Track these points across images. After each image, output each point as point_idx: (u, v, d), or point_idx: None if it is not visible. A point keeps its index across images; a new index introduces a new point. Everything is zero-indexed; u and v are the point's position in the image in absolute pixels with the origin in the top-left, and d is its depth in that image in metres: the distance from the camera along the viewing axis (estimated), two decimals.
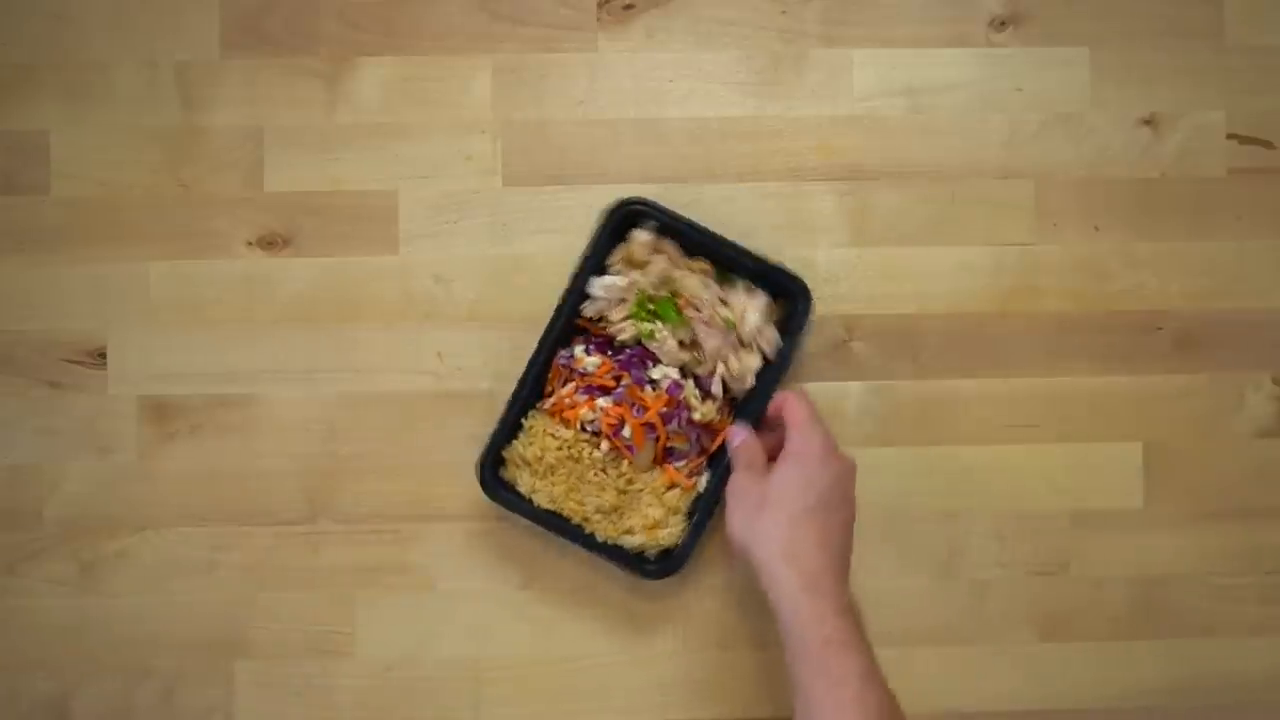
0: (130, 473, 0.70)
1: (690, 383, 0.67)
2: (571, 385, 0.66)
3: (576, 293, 0.67)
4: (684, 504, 0.67)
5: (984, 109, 0.72)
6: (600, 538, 0.66)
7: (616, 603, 0.71)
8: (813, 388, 0.70)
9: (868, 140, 0.72)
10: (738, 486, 0.63)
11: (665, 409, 0.66)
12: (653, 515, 0.66)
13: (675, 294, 0.67)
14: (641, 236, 0.67)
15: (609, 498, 0.66)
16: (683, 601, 0.71)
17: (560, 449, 0.66)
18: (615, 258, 0.67)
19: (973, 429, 0.71)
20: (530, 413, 0.67)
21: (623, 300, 0.67)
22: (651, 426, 0.66)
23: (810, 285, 0.67)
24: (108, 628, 0.70)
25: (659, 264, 0.67)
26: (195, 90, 0.71)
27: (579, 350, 0.67)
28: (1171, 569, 0.72)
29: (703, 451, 0.68)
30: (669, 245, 0.67)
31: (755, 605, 0.70)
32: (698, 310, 0.66)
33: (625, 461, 0.66)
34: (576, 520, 0.66)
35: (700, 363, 0.67)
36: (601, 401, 0.66)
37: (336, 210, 0.71)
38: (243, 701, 0.70)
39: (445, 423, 0.70)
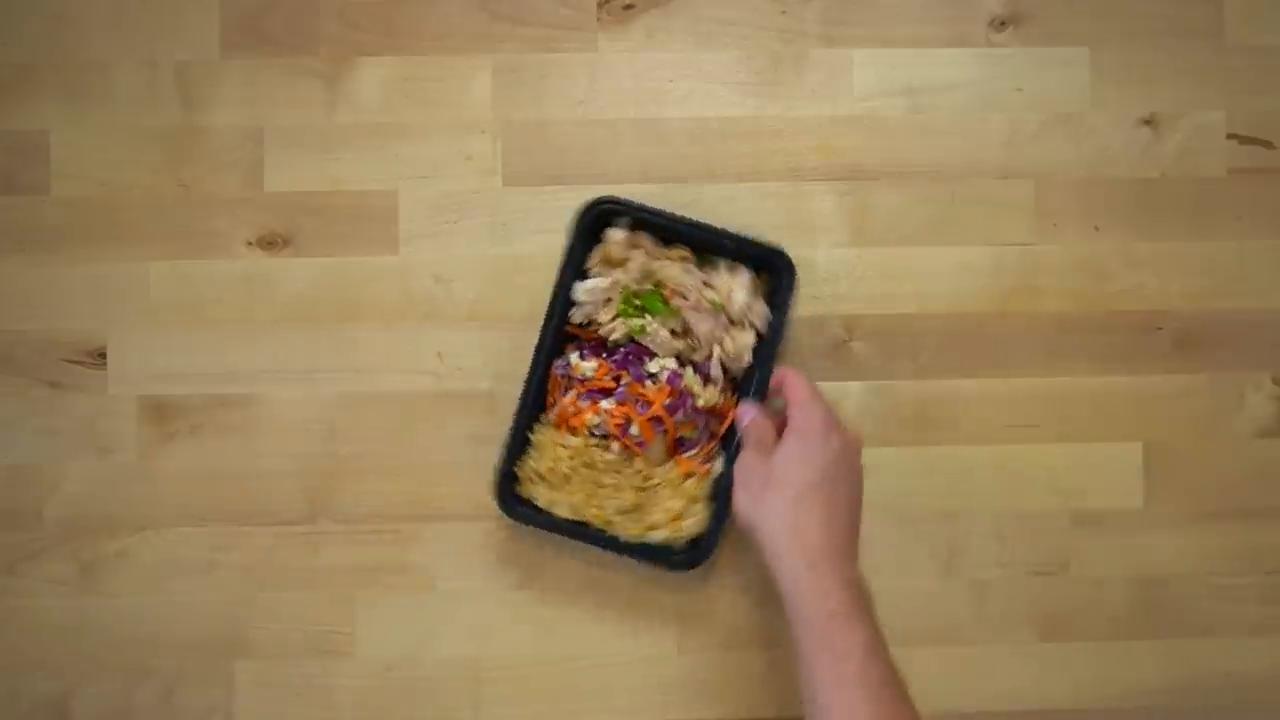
0: (130, 473, 0.70)
1: (689, 370, 0.67)
2: (572, 393, 0.66)
3: (561, 301, 0.66)
4: (703, 491, 0.67)
5: (984, 109, 0.72)
6: (625, 538, 0.66)
7: (617, 602, 0.70)
8: None
9: (868, 140, 0.72)
10: (743, 465, 0.62)
11: (669, 400, 0.65)
12: (674, 507, 0.66)
13: (659, 285, 0.67)
14: (616, 235, 0.66)
15: (628, 497, 0.66)
16: (684, 601, 0.71)
17: (572, 457, 0.66)
18: (594, 260, 0.67)
19: (973, 429, 0.71)
20: (536, 426, 0.67)
21: (608, 300, 0.67)
22: (658, 420, 0.66)
23: (793, 260, 0.66)
24: (108, 628, 0.70)
25: (638, 259, 0.66)
26: (195, 90, 0.71)
27: (574, 357, 0.67)
28: (1171, 569, 0.72)
29: (713, 436, 0.68)
30: (645, 239, 0.67)
31: (756, 605, 0.71)
32: (684, 297, 0.66)
33: (638, 459, 0.66)
34: (599, 525, 0.66)
35: (695, 349, 0.67)
36: (605, 404, 0.66)
37: (336, 210, 0.71)
38: (243, 701, 0.70)
39: (445, 423, 0.70)
